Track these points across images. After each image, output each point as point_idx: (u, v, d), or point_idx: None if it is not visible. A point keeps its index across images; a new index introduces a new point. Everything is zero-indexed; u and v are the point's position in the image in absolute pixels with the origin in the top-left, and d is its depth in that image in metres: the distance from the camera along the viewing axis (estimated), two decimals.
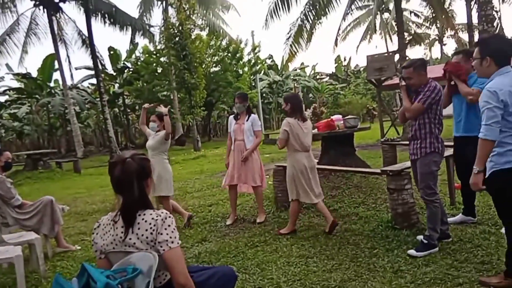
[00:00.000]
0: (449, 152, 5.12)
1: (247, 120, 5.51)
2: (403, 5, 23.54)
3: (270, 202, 6.17)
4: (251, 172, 5.42)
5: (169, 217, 2.00)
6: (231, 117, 5.76)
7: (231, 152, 5.65)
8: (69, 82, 22.18)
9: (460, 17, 34.68)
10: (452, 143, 4.67)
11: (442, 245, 3.84)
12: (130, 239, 1.97)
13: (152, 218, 1.98)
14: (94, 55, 19.57)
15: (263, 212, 5.56)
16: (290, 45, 15.79)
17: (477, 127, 2.92)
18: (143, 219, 1.98)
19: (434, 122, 3.75)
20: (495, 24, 15.87)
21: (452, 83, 4.24)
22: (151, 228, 1.96)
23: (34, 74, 29.24)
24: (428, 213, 3.84)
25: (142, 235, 1.96)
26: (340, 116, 6.57)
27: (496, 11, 18.28)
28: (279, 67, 39.31)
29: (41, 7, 19.50)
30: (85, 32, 20.29)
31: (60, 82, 23.16)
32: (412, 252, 3.70)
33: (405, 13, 29.41)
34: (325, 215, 4.70)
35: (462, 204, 4.87)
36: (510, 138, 2.79)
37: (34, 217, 4.93)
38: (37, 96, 29.13)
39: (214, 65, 26.83)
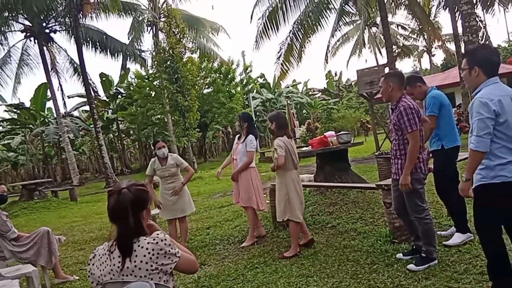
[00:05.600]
0: None
1: (243, 141, 5.57)
2: (390, 18, 23.97)
3: (268, 222, 6.16)
4: (244, 191, 5.47)
5: (164, 238, 2.00)
6: (237, 136, 5.88)
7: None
8: (62, 110, 22.22)
9: (446, 28, 35.32)
10: None
11: (441, 256, 3.84)
12: (127, 267, 1.97)
13: (148, 243, 1.97)
14: (86, 83, 19.70)
15: (252, 237, 5.50)
16: (281, 64, 16.00)
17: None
18: (139, 245, 1.98)
19: None
20: (480, 33, 16.20)
21: None
22: (149, 253, 1.96)
23: (27, 104, 29.30)
24: (421, 230, 3.81)
25: (141, 261, 1.96)
26: (333, 132, 6.63)
27: (481, 21, 18.70)
28: (271, 85, 39.64)
29: (32, 38, 19.67)
30: (77, 61, 20.47)
31: (53, 111, 23.23)
32: (411, 266, 3.69)
33: (392, 26, 29.92)
34: (305, 233, 4.93)
35: None
36: (500, 151, 2.75)
37: (31, 249, 4.89)
38: (30, 125, 29.14)
39: (206, 86, 27.00)
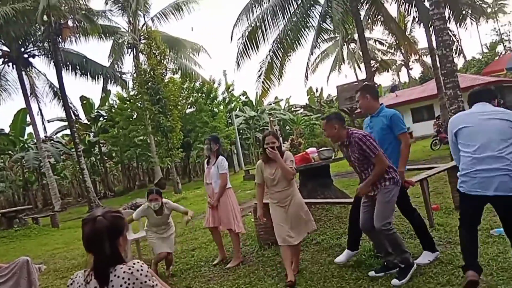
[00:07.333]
0: (423, 175, 5.24)
1: (213, 164, 5.53)
2: (367, 34, 24.50)
3: (253, 241, 6.11)
4: (224, 214, 5.43)
5: (141, 268, 1.96)
6: (206, 160, 5.81)
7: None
8: (42, 135, 21.91)
9: (422, 42, 36.36)
10: (425, 166, 4.77)
11: (424, 269, 3.87)
12: None
13: (124, 272, 1.94)
14: (66, 107, 19.51)
15: (238, 257, 5.42)
16: (262, 82, 16.12)
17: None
18: (115, 275, 1.94)
19: None
20: (454, 47, 16.64)
21: None
22: (125, 283, 1.92)
23: (7, 130, 28.80)
24: (387, 242, 3.89)
25: None
26: (314, 149, 6.67)
27: (455, 35, 19.23)
28: (254, 103, 39.85)
29: (10, 64, 19.47)
30: (57, 84, 20.30)
31: (34, 136, 22.87)
32: (395, 281, 3.69)
33: (370, 42, 30.57)
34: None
35: (441, 226, 4.97)
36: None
37: (9, 280, 4.74)
38: (10, 152, 28.61)
39: (189, 106, 27.02)
